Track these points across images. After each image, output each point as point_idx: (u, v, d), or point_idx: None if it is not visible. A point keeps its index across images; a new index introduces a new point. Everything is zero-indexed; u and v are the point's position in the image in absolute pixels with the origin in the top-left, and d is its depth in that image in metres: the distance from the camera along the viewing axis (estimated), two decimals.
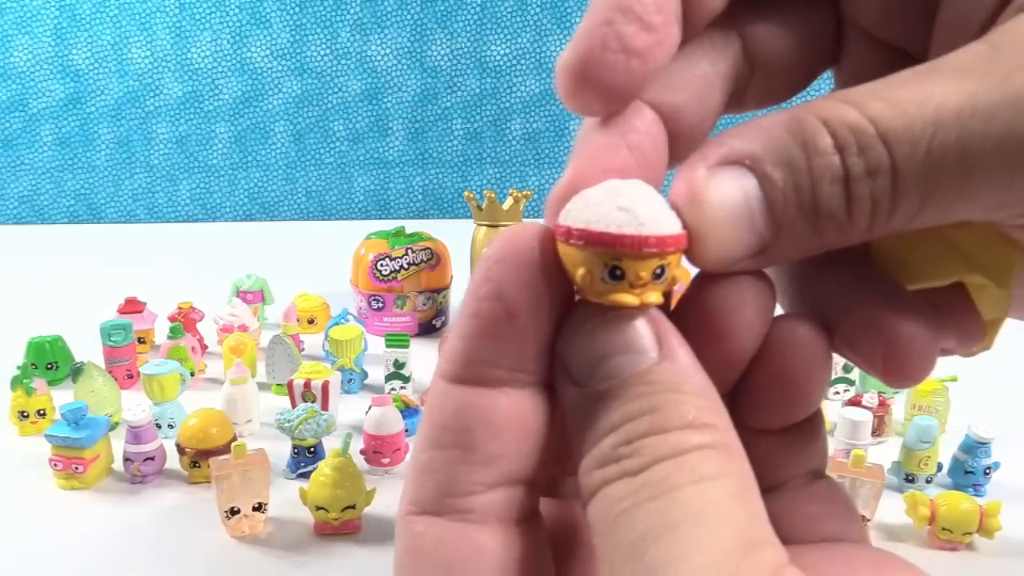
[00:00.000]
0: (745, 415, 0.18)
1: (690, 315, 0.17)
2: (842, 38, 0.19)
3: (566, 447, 0.16)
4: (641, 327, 0.16)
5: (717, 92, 0.18)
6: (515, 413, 0.16)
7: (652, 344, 0.15)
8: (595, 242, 0.15)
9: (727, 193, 0.15)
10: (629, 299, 0.15)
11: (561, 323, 0.16)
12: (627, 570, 0.14)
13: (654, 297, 0.15)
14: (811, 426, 0.18)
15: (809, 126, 0.15)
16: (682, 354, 0.16)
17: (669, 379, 0.15)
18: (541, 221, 0.17)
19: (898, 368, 0.17)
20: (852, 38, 0.19)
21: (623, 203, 0.15)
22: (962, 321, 0.18)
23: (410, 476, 0.17)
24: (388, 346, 0.75)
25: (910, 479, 0.61)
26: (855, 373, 0.76)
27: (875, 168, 0.14)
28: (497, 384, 0.16)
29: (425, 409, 0.17)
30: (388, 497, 0.58)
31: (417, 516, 0.16)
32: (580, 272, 0.15)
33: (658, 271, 0.15)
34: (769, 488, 0.18)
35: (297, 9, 1.50)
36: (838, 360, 0.75)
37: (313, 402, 0.66)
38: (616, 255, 0.15)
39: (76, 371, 0.70)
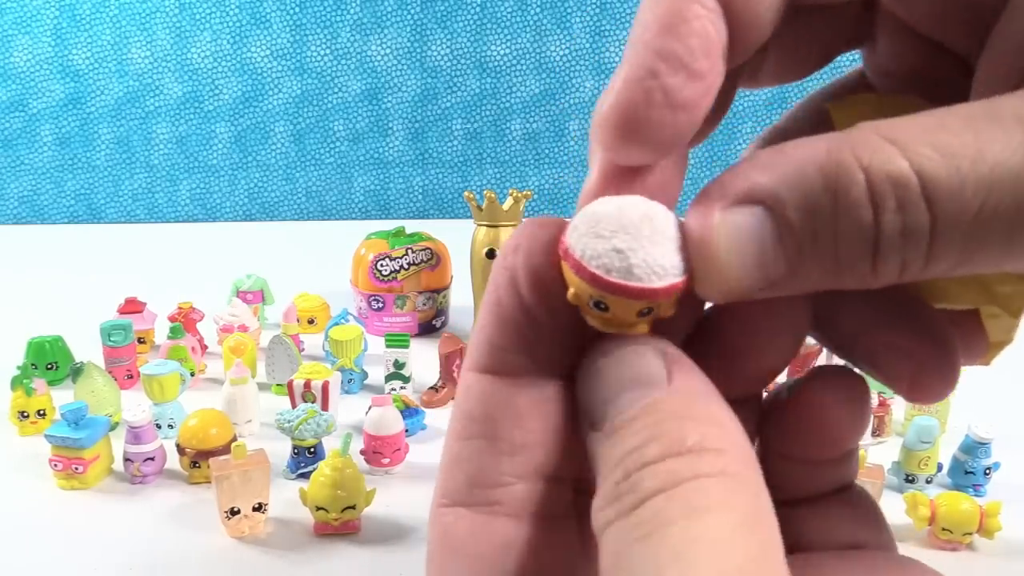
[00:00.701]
0: (777, 446, 0.18)
1: (716, 330, 0.17)
2: (874, 23, 0.18)
3: None
4: (651, 359, 0.15)
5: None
6: (538, 402, 0.16)
7: (661, 375, 0.15)
8: (584, 277, 0.15)
9: (740, 235, 0.14)
10: (614, 328, 0.15)
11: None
12: None
13: (640, 329, 0.15)
14: (846, 456, 0.18)
15: (844, 173, 0.13)
16: (691, 380, 0.15)
17: (674, 407, 0.14)
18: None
19: (925, 390, 0.17)
20: (886, 25, 0.18)
21: (620, 244, 0.15)
22: (969, 340, 0.18)
23: (441, 468, 0.17)
24: (388, 346, 0.75)
25: (910, 479, 0.61)
26: None
27: (912, 230, 0.13)
28: (520, 373, 0.16)
29: (455, 400, 0.17)
30: (388, 497, 0.58)
31: (448, 508, 0.16)
32: (571, 292, 0.15)
33: (644, 311, 0.15)
34: (796, 499, 0.18)
35: (297, 9, 1.50)
36: (838, 361, 0.75)
37: (313, 402, 0.66)
38: (601, 294, 0.15)
39: (76, 371, 0.70)
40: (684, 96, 0.14)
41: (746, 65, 0.18)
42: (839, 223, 0.13)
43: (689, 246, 0.15)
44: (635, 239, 0.15)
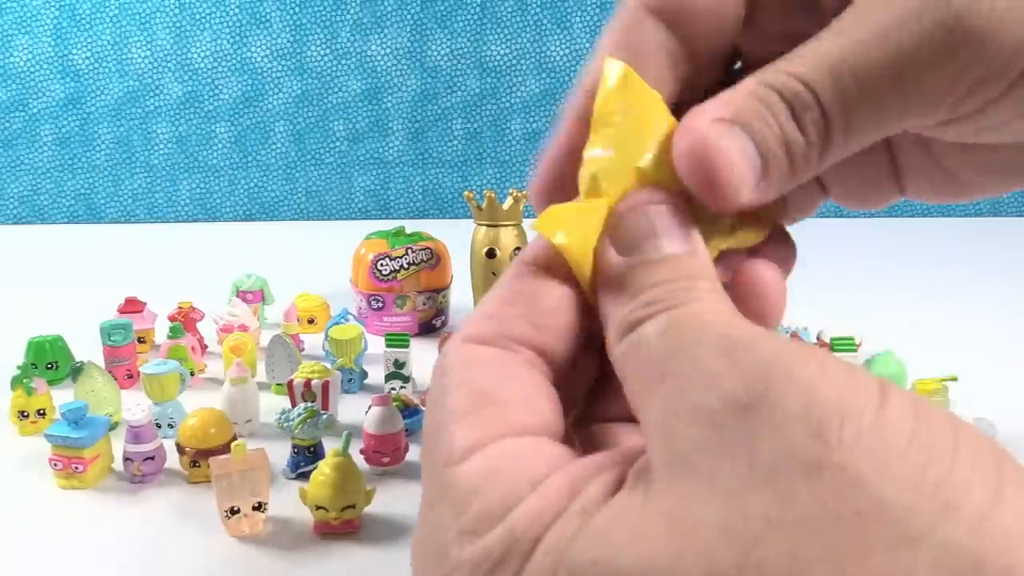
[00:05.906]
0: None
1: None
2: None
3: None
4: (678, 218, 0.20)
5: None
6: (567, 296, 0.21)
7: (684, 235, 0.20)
8: None
9: (731, 138, 0.20)
10: None
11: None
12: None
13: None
14: None
15: (763, 92, 0.20)
16: (703, 252, 0.20)
17: (693, 270, 0.19)
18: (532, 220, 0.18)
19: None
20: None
21: None
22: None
23: (470, 322, 0.22)
24: (388, 346, 0.75)
25: None
26: None
27: (807, 105, 0.20)
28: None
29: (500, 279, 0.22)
30: (388, 497, 0.58)
31: (473, 345, 0.21)
32: None
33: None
34: None
35: (297, 9, 1.50)
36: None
37: (313, 402, 0.66)
38: None
39: (76, 371, 0.70)
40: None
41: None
42: (776, 116, 0.20)
43: (695, 154, 0.19)
44: None
